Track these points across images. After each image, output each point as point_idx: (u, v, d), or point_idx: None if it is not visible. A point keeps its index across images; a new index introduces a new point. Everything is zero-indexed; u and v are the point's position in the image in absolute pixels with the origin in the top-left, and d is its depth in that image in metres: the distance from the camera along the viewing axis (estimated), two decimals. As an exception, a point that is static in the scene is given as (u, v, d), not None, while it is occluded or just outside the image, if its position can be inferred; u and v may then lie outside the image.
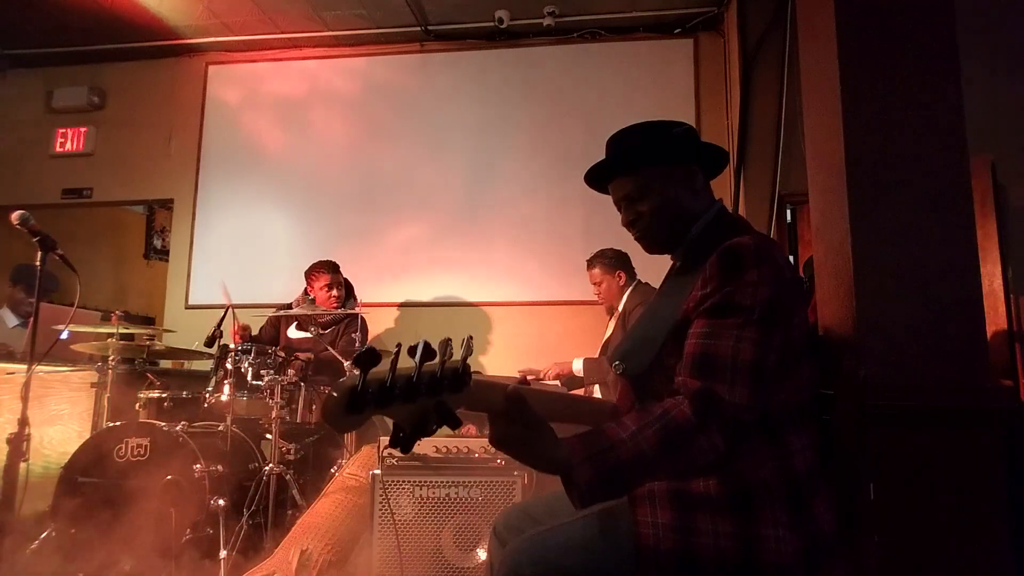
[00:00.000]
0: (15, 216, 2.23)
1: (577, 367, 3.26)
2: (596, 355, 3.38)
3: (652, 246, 1.36)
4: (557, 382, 3.22)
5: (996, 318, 2.09)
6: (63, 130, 4.82)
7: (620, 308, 3.31)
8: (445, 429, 0.92)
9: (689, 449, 1.03)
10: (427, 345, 0.85)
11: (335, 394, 0.81)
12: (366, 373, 0.81)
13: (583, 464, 1.00)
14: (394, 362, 0.84)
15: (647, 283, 3.34)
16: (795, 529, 1.09)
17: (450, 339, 0.90)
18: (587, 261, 3.44)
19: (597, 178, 1.39)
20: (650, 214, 1.32)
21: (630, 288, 3.32)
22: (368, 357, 0.79)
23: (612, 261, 3.35)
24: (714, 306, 1.12)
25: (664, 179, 1.31)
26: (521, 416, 1.00)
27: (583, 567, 1.14)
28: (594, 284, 3.41)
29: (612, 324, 3.41)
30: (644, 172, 1.32)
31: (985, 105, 2.87)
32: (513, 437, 1.01)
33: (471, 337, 0.96)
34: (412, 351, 0.85)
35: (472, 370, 0.95)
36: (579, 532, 1.18)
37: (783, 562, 1.07)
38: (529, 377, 3.25)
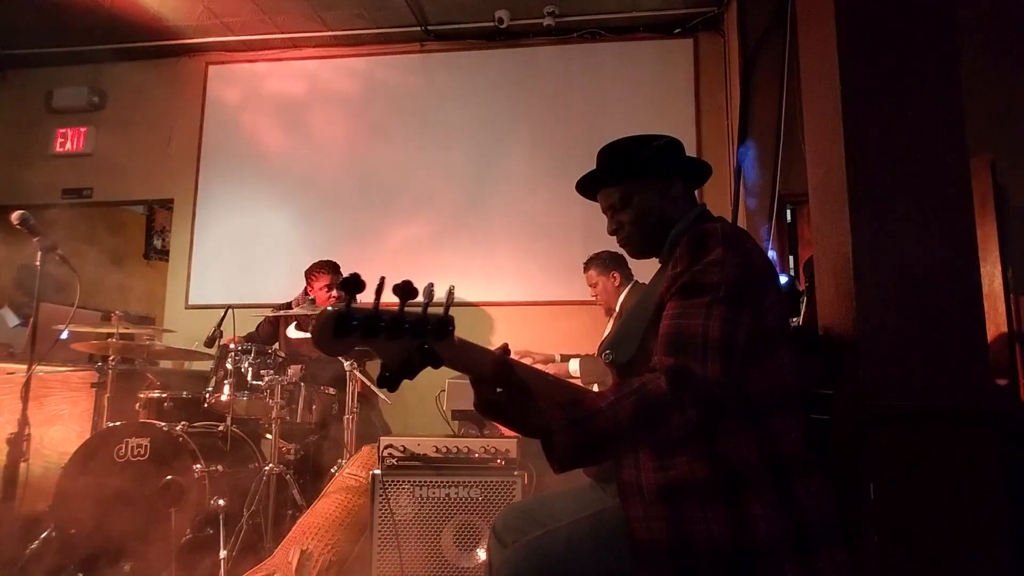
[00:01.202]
0: (15, 216, 2.23)
1: (573, 368, 3.26)
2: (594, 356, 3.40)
3: (635, 252, 1.44)
4: None
5: (996, 318, 2.08)
6: (63, 130, 4.82)
7: (617, 308, 3.33)
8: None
9: (664, 421, 1.07)
10: (408, 284, 0.90)
11: (323, 317, 0.87)
12: (351, 297, 0.87)
13: (563, 431, 1.04)
14: (378, 293, 0.90)
15: (643, 283, 3.35)
16: (783, 508, 1.10)
17: (432, 284, 0.96)
18: (583, 264, 3.47)
19: (587, 187, 1.46)
20: (631, 223, 1.39)
21: (626, 288, 3.34)
22: (353, 282, 0.86)
23: (607, 262, 3.38)
24: (683, 286, 1.17)
25: (645, 191, 1.38)
26: (508, 381, 1.06)
27: (584, 569, 1.15)
28: (591, 286, 3.44)
29: (610, 325, 3.43)
30: (627, 184, 1.39)
31: (985, 105, 2.86)
32: (498, 402, 1.06)
33: (453, 287, 1.03)
34: (396, 289, 0.90)
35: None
36: (578, 534, 1.19)
37: (774, 539, 1.08)
38: None
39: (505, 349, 1.13)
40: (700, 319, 1.12)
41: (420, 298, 0.95)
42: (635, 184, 1.38)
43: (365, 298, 0.89)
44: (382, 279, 0.89)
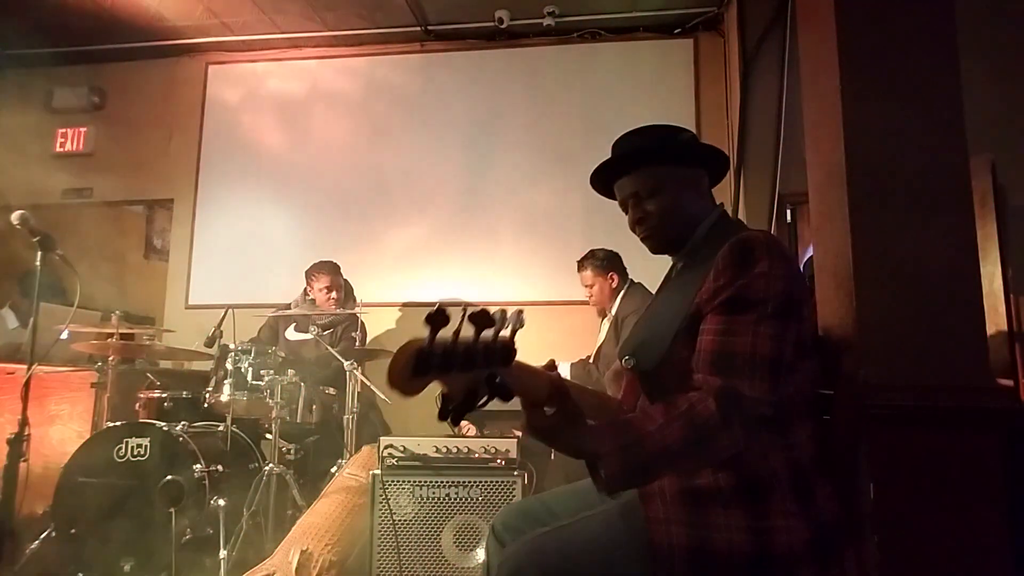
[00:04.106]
0: (15, 216, 2.22)
1: (564, 373, 3.22)
2: (590, 360, 3.35)
3: (658, 246, 1.36)
4: None
5: (996, 318, 2.09)
6: (63, 130, 4.81)
7: (613, 312, 3.25)
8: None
9: (712, 444, 1.05)
10: (486, 312, 0.84)
11: (403, 355, 0.80)
12: (435, 334, 0.79)
13: (612, 455, 1.02)
14: (459, 328, 0.83)
15: (640, 283, 3.29)
16: (804, 518, 1.09)
17: (505, 310, 0.88)
18: (578, 263, 3.36)
19: (603, 177, 1.38)
20: (658, 214, 1.31)
21: (623, 290, 3.26)
22: (440, 317, 0.78)
23: (604, 262, 3.27)
24: (728, 300, 1.13)
25: (674, 179, 1.31)
26: (563, 406, 1.03)
27: (589, 568, 1.14)
28: (586, 286, 3.33)
29: (605, 329, 3.35)
30: (655, 171, 1.32)
31: (985, 105, 2.86)
32: (550, 426, 1.03)
33: (522, 310, 0.93)
34: (472, 318, 0.84)
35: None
36: (584, 532, 1.18)
37: (795, 551, 1.07)
38: None
39: (552, 366, 1.10)
40: (749, 336, 1.09)
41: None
42: (663, 171, 1.31)
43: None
44: (465, 308, 0.83)
